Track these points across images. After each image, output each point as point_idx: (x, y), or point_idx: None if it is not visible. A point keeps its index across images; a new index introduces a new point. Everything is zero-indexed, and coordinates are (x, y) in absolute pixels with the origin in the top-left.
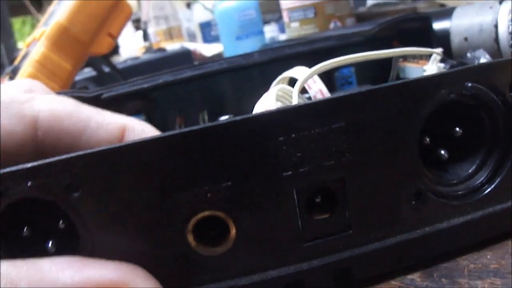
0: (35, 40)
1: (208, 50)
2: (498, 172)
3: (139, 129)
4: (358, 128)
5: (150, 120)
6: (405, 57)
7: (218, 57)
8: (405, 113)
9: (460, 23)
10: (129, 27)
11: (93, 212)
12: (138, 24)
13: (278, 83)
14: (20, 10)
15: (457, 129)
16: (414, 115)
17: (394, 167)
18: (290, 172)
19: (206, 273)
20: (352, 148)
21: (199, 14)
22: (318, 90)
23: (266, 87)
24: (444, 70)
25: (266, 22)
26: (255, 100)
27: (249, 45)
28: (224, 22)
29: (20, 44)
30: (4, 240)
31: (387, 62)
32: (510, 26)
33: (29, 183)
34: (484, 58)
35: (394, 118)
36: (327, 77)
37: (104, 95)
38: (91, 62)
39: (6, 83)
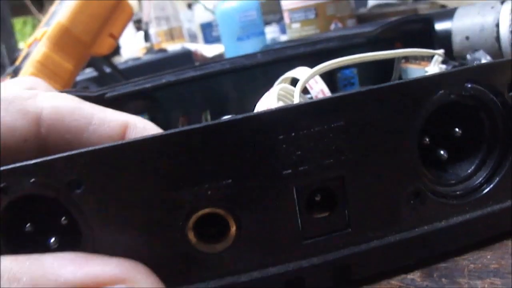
0: (36, 40)
1: (209, 51)
2: (497, 172)
3: (141, 126)
4: (357, 128)
5: (153, 120)
6: (407, 59)
7: (219, 58)
8: (405, 113)
9: (461, 23)
10: (130, 28)
11: (94, 209)
12: (139, 24)
13: (280, 83)
14: (21, 10)
15: (457, 129)
16: (413, 115)
17: (393, 166)
18: (290, 171)
19: (206, 270)
20: (351, 147)
21: (200, 14)
22: (320, 90)
23: (268, 88)
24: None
25: (267, 23)
26: (257, 100)
27: (250, 46)
28: (225, 22)
29: (21, 45)
30: (7, 235)
31: (389, 64)
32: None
33: (31, 180)
34: (484, 59)
35: (394, 118)
36: (329, 78)
37: (108, 95)
38: (92, 62)
39: (8, 80)
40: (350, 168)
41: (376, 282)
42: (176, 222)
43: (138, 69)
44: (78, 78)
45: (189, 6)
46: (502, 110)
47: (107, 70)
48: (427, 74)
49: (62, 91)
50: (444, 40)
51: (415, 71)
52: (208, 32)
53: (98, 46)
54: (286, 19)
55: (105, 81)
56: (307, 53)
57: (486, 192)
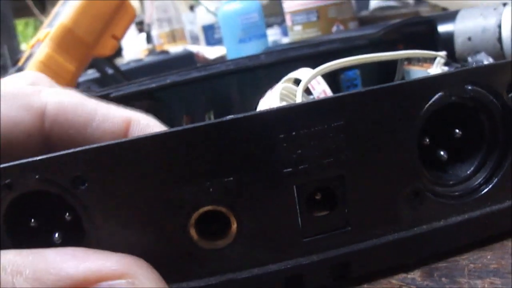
0: (39, 41)
1: (211, 53)
2: (496, 173)
3: (144, 122)
4: (357, 127)
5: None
6: (410, 60)
7: (221, 59)
8: (404, 113)
9: (464, 25)
10: (132, 30)
11: (98, 206)
12: (141, 26)
13: (283, 83)
14: (23, 11)
15: (457, 130)
16: (413, 115)
17: (393, 166)
18: (290, 169)
19: (208, 267)
20: (351, 146)
21: (202, 17)
22: (322, 90)
23: (273, 86)
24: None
25: (269, 25)
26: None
27: (252, 48)
28: (227, 25)
29: (23, 46)
30: (12, 231)
31: (392, 65)
32: None
33: (36, 176)
34: (486, 61)
35: (393, 118)
36: (332, 79)
37: (112, 95)
38: (95, 63)
39: (12, 75)
40: (350, 167)
41: (376, 281)
42: (178, 219)
43: (140, 71)
44: (81, 79)
45: (191, 8)
46: (502, 111)
47: (109, 71)
48: (426, 75)
49: None
50: (446, 42)
51: (418, 73)
52: (210, 34)
53: (100, 47)
54: (288, 22)
55: (107, 82)
56: (310, 54)
57: (485, 193)
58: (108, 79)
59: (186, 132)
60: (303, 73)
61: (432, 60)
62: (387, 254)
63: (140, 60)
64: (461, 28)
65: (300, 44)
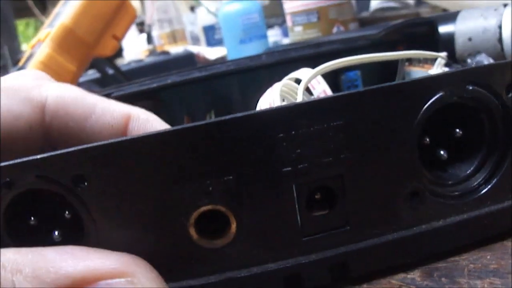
0: (40, 41)
1: (212, 53)
2: (495, 173)
3: (144, 118)
4: (357, 127)
5: None
6: (411, 61)
7: (221, 60)
8: (404, 113)
9: (464, 25)
10: (133, 30)
11: (98, 204)
12: (142, 27)
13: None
14: (24, 12)
15: (457, 130)
16: (412, 115)
17: (393, 165)
18: (289, 168)
19: (207, 265)
20: (350, 146)
21: (203, 17)
22: (322, 90)
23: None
24: None
25: (269, 26)
26: None
27: (252, 49)
28: (228, 25)
29: (24, 47)
30: (12, 228)
31: (393, 66)
32: None
33: (36, 175)
34: (486, 62)
35: (393, 118)
36: (333, 80)
37: (114, 94)
38: (95, 64)
39: (14, 73)
40: (349, 166)
41: (376, 281)
42: (178, 218)
43: (140, 71)
44: (81, 79)
45: (192, 8)
46: (502, 111)
47: (110, 71)
48: (426, 75)
49: None
50: (447, 43)
51: (419, 73)
52: (211, 34)
53: (101, 48)
54: (289, 22)
55: (107, 82)
56: (310, 55)
57: (484, 193)
58: (109, 79)
59: (186, 131)
60: (304, 73)
61: (433, 61)
62: (386, 254)
63: (140, 60)
64: (461, 28)
65: (301, 45)
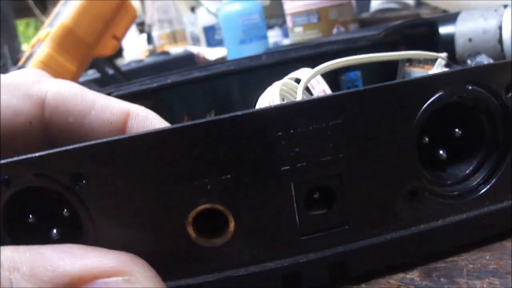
0: (40, 41)
1: (212, 54)
2: (495, 173)
3: (143, 115)
4: (355, 126)
5: None
6: (411, 62)
7: (221, 61)
8: (403, 112)
9: (464, 26)
10: (133, 30)
11: (96, 202)
12: (142, 27)
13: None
14: (24, 12)
15: (457, 130)
16: (411, 115)
17: (391, 165)
18: (288, 167)
19: (205, 264)
20: (348, 145)
21: (203, 18)
22: (322, 90)
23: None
24: None
25: (269, 27)
26: None
27: (252, 49)
28: (228, 26)
29: (24, 47)
30: (10, 226)
31: (393, 67)
32: None
33: (35, 173)
34: (487, 63)
35: (392, 117)
36: (333, 80)
37: (113, 94)
38: (95, 64)
39: (14, 71)
40: (347, 166)
41: (374, 281)
42: (176, 216)
43: (140, 71)
44: (81, 79)
45: (192, 9)
46: (501, 111)
47: (110, 71)
48: (425, 74)
49: None
50: (447, 44)
51: (419, 74)
52: (211, 35)
53: (101, 47)
54: (289, 23)
55: (107, 82)
56: (311, 55)
57: (483, 193)
58: (109, 79)
59: (184, 130)
60: (303, 72)
61: (433, 61)
62: (385, 254)
63: (140, 60)
64: (462, 29)
65: (301, 45)
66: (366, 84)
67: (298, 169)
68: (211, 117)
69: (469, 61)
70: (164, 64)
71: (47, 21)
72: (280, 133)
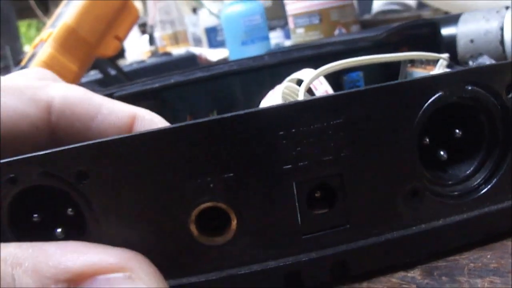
0: (42, 41)
1: (214, 55)
2: (495, 173)
3: (149, 118)
4: (356, 126)
5: None
6: (413, 63)
7: (224, 61)
8: (404, 112)
9: (466, 27)
10: (135, 31)
11: (100, 200)
12: (144, 28)
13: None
14: (26, 12)
15: (457, 130)
16: (412, 115)
17: (392, 165)
18: (290, 166)
19: (207, 262)
20: (350, 144)
21: (205, 19)
22: (324, 91)
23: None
24: None
25: (271, 28)
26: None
27: (254, 51)
28: (230, 27)
29: (26, 48)
30: (15, 225)
31: (395, 67)
32: None
33: (39, 171)
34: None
35: (393, 117)
36: (335, 81)
37: (116, 94)
38: (97, 64)
39: (19, 71)
40: (349, 165)
41: (376, 279)
42: (179, 214)
43: (142, 72)
44: (83, 80)
45: (194, 10)
46: (501, 112)
47: (112, 72)
48: (426, 75)
49: None
50: (449, 45)
51: (421, 75)
52: (213, 36)
53: (103, 48)
54: (291, 24)
55: (109, 83)
56: (313, 56)
57: (484, 193)
58: (111, 80)
59: (187, 128)
60: (306, 73)
61: (435, 62)
62: (386, 253)
63: (142, 61)
64: (463, 30)
65: (303, 46)
66: (368, 85)
67: (300, 168)
68: (214, 116)
69: (470, 62)
70: (166, 65)
71: (50, 21)
72: (282, 132)
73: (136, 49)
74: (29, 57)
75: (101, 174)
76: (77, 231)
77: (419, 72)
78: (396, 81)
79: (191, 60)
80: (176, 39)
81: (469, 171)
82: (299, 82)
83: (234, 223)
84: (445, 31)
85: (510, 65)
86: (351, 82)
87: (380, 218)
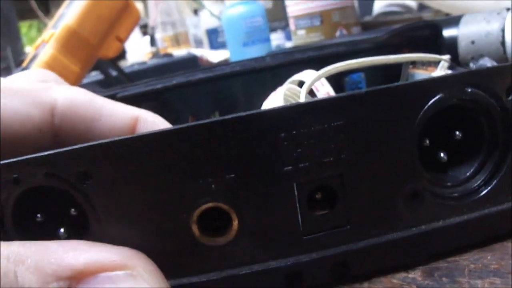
0: (44, 42)
1: (215, 56)
2: (495, 175)
3: (151, 120)
4: (357, 128)
5: None
6: (415, 64)
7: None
8: (404, 114)
9: (467, 29)
10: (136, 33)
11: (102, 201)
12: (145, 29)
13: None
14: (27, 13)
15: (457, 132)
16: (413, 117)
17: (392, 166)
18: (290, 167)
19: (208, 262)
20: (350, 146)
21: (206, 20)
22: (326, 92)
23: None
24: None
25: (272, 30)
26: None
27: (255, 52)
28: (231, 28)
29: (27, 48)
30: (18, 225)
31: (397, 69)
32: None
33: (43, 171)
34: (489, 65)
35: (393, 119)
36: (337, 82)
37: (119, 95)
38: (99, 65)
39: (21, 72)
40: (349, 166)
41: (377, 280)
42: (181, 215)
43: (143, 73)
44: (84, 81)
45: (195, 11)
46: (501, 114)
47: (113, 73)
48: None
49: None
50: (451, 46)
51: (422, 76)
52: (214, 37)
53: (104, 49)
54: (292, 26)
55: (111, 84)
56: (315, 57)
57: (484, 194)
58: (112, 81)
59: (189, 130)
60: (307, 75)
61: (436, 63)
62: (387, 254)
63: (144, 63)
64: (464, 32)
65: (305, 47)
66: (370, 86)
67: (301, 170)
68: (216, 117)
69: (471, 64)
70: (167, 66)
71: (51, 22)
72: (283, 134)
73: (137, 50)
74: (31, 58)
75: (104, 174)
76: (80, 231)
77: (421, 73)
78: (396, 84)
79: (192, 62)
80: (177, 40)
81: (469, 172)
82: (301, 83)
83: (235, 223)
84: (447, 32)
85: (510, 68)
86: (353, 84)
87: (381, 219)
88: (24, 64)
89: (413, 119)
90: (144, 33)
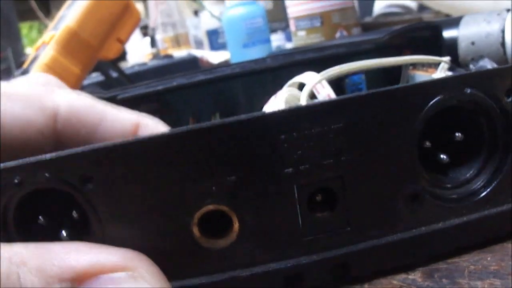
0: (44, 43)
1: (215, 57)
2: (495, 177)
3: (153, 125)
4: (357, 130)
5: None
6: (415, 65)
7: (226, 64)
8: (404, 116)
9: (467, 30)
10: (136, 34)
11: (104, 204)
12: (145, 30)
13: (288, 87)
14: (28, 14)
15: (458, 134)
16: (412, 118)
17: (392, 168)
18: (291, 169)
19: (209, 264)
20: (350, 148)
21: (207, 21)
22: (327, 95)
23: (277, 92)
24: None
25: (273, 30)
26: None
27: (256, 53)
28: (232, 29)
29: (28, 49)
30: (21, 227)
31: (397, 70)
32: None
33: (45, 174)
34: (490, 66)
35: (393, 121)
36: (337, 83)
37: (119, 97)
38: (99, 66)
39: (22, 77)
40: (349, 168)
41: (377, 282)
42: (182, 217)
43: (144, 75)
44: (85, 82)
45: (196, 12)
46: (501, 115)
47: (114, 74)
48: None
49: None
50: (451, 47)
51: (422, 77)
52: (214, 38)
53: (105, 50)
54: (292, 27)
55: (111, 85)
56: (315, 58)
57: (484, 196)
58: (113, 82)
59: (190, 133)
60: (308, 77)
61: (437, 65)
62: (386, 255)
63: (144, 64)
64: (465, 33)
65: (306, 48)
66: (370, 87)
67: (301, 172)
68: (216, 120)
69: (471, 65)
70: (168, 68)
71: (52, 24)
72: (283, 136)
73: (138, 52)
74: (31, 59)
75: (106, 177)
76: (82, 234)
77: (421, 75)
78: (395, 86)
79: (192, 63)
80: (177, 41)
81: (469, 174)
82: (302, 85)
83: (236, 226)
84: (447, 33)
85: (509, 69)
86: (353, 85)
87: (381, 220)
88: (24, 66)
89: (413, 120)
90: (145, 34)
